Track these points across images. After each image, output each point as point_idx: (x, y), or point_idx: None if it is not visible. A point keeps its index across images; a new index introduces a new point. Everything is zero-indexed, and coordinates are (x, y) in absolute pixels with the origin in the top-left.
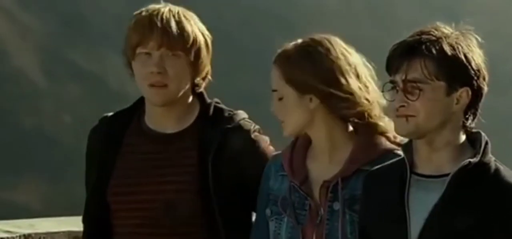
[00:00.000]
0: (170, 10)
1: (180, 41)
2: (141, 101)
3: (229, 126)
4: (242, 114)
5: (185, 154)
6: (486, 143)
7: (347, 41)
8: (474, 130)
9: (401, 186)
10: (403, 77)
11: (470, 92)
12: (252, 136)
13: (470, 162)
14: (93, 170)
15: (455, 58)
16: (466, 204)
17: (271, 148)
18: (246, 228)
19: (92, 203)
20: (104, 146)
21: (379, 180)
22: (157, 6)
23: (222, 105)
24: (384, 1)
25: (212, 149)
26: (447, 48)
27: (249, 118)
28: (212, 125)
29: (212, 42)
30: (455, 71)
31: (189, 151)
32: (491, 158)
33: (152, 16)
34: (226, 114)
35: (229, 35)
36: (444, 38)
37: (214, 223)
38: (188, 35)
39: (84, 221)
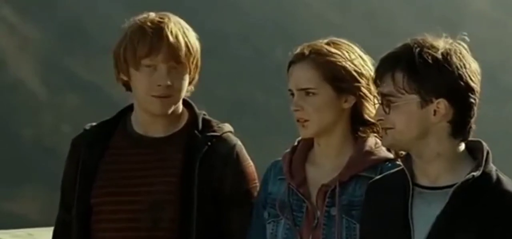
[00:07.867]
0: (175, 23)
1: (187, 55)
2: (125, 110)
3: (216, 134)
4: (229, 127)
5: (171, 156)
6: (488, 153)
7: None
8: (473, 139)
9: (404, 197)
10: (380, 91)
11: (448, 104)
12: (237, 148)
13: (473, 175)
14: (75, 177)
15: (424, 71)
16: (468, 216)
17: (251, 163)
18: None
19: (76, 207)
20: (89, 151)
21: (382, 190)
22: (158, 16)
23: (210, 117)
24: (384, 11)
25: (198, 154)
26: (417, 61)
27: (250, 127)
28: (199, 133)
29: (212, 51)
30: (426, 84)
31: (175, 154)
32: (492, 168)
33: (160, 29)
34: (214, 124)
35: (230, 46)
36: (418, 50)
37: (190, 230)
38: (193, 48)
39: (58, 229)
